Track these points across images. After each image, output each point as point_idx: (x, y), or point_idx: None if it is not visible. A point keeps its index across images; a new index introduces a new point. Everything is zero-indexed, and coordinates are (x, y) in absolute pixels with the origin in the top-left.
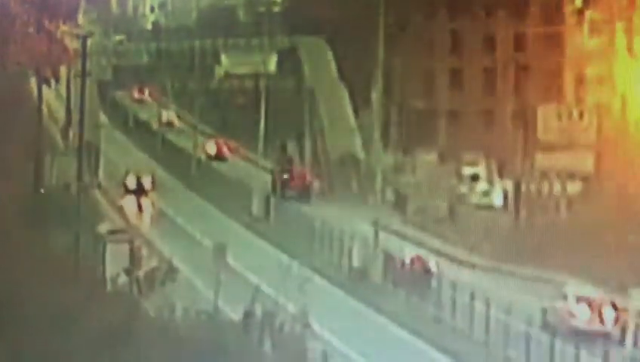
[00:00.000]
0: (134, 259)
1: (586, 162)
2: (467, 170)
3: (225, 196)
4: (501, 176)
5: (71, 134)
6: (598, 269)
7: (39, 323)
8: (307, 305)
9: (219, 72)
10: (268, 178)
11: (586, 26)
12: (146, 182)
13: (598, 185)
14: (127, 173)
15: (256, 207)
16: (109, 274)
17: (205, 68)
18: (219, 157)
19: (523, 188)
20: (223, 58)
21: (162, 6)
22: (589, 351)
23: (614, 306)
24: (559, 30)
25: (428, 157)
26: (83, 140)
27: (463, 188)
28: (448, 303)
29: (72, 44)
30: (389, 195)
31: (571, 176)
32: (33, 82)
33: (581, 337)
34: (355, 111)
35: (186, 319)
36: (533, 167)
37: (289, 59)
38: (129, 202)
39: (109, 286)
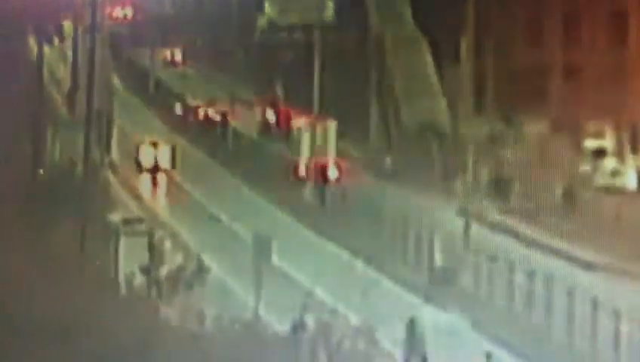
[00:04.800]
0: (154, 255)
1: None
2: (590, 144)
3: (268, 177)
4: (635, 151)
5: (77, 102)
6: None
7: (38, 334)
8: (373, 316)
9: (261, 22)
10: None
11: None
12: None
13: None
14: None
15: (308, 192)
16: (122, 273)
17: (244, 18)
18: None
19: None
20: (267, 5)
21: None
22: None
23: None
24: None
25: (537, 127)
26: (92, 109)
27: (585, 167)
28: (562, 314)
29: None
30: (485, 176)
31: None
32: (32, 40)
33: None
34: (439, 68)
35: (217, 330)
36: None
37: (350, 3)
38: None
39: (122, 289)
